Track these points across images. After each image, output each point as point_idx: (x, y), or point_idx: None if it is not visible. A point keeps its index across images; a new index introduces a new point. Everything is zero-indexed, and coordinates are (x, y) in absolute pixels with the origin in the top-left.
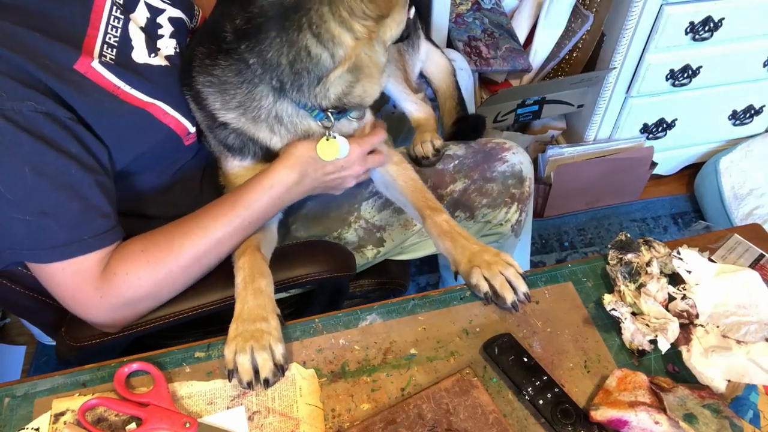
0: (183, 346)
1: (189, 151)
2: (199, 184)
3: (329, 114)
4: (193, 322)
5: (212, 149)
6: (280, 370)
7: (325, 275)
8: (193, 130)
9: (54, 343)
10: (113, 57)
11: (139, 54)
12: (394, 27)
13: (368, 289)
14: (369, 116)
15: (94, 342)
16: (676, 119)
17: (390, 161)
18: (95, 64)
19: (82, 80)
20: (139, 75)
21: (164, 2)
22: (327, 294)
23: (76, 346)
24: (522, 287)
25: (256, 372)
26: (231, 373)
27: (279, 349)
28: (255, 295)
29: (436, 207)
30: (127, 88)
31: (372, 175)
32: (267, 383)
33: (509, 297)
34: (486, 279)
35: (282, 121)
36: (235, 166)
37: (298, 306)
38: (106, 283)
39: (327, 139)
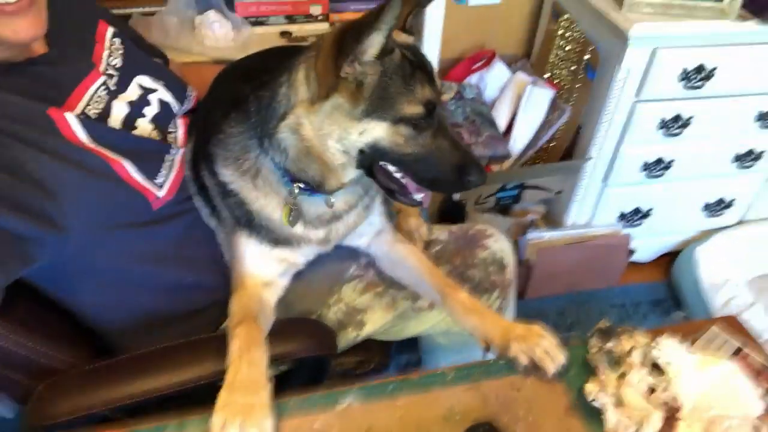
0: (155, 423)
1: (160, 218)
2: (175, 257)
3: (296, 186)
4: (169, 397)
5: (225, 229)
6: None
7: (305, 353)
8: (160, 194)
9: (11, 417)
10: (89, 117)
11: (115, 123)
12: (336, 121)
13: (348, 367)
14: (378, 222)
15: (61, 420)
16: (651, 209)
17: (395, 239)
18: (69, 114)
19: (47, 124)
20: (110, 134)
21: (157, 82)
22: (306, 372)
23: (42, 426)
24: (560, 357)
25: None
26: None
27: (267, 425)
28: (249, 365)
29: (454, 284)
30: (92, 144)
31: (374, 253)
32: None
33: (551, 367)
34: (524, 352)
35: (265, 178)
36: (243, 242)
37: (276, 382)
38: None
39: (289, 208)
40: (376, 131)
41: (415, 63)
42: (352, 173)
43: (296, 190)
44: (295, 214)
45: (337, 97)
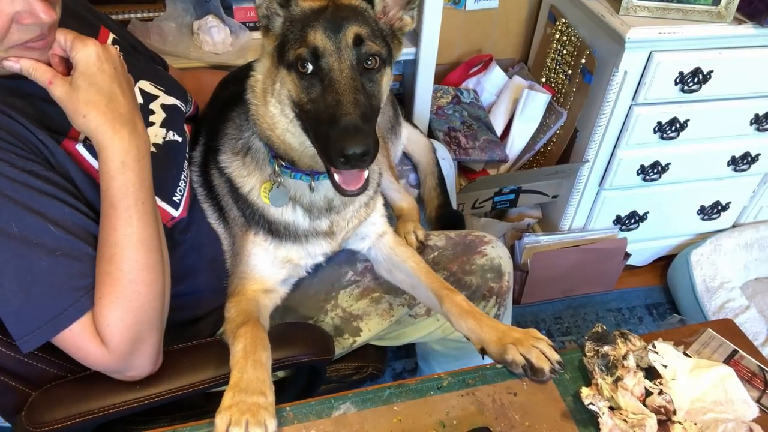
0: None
1: (174, 236)
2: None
3: (279, 163)
4: (161, 407)
5: (233, 231)
6: None
7: (302, 359)
8: (176, 214)
9: (7, 425)
10: None
11: None
12: (269, 73)
13: (344, 373)
14: (380, 207)
15: (56, 427)
16: (647, 212)
17: (396, 242)
18: (79, 146)
19: (64, 158)
20: None
21: (158, 88)
22: (302, 378)
23: None
24: (555, 356)
25: None
26: None
27: (272, 426)
28: (255, 366)
29: (451, 288)
30: None
31: (374, 256)
32: None
33: (547, 367)
34: (520, 354)
35: (253, 155)
36: (249, 242)
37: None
38: (104, 342)
39: (270, 183)
40: (286, 82)
41: (326, 14)
42: (310, 146)
43: (277, 168)
44: (278, 193)
45: (265, 42)
